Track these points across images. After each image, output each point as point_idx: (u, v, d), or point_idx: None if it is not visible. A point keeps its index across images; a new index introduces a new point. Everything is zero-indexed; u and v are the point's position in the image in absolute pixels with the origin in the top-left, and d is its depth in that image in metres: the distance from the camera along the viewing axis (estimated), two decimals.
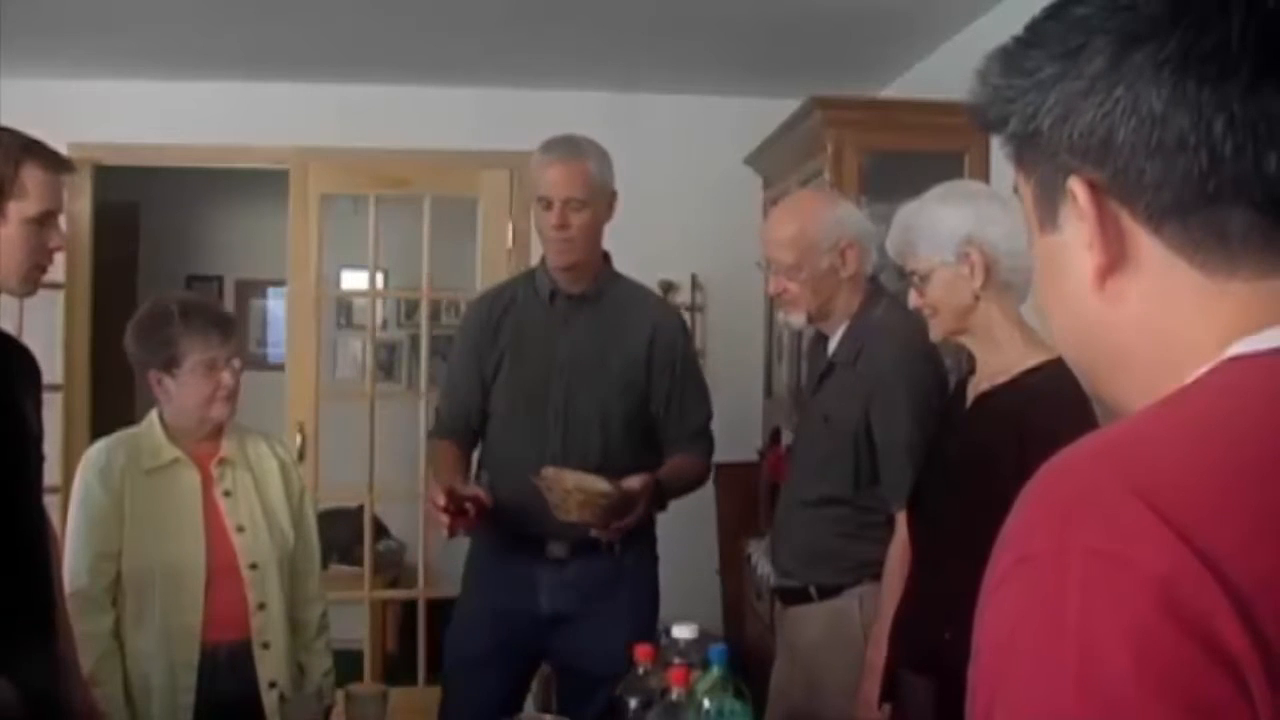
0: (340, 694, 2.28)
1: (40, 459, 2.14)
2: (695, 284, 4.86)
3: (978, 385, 2.07)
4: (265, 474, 2.48)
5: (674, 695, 1.81)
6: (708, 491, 4.63)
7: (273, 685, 2.35)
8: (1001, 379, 2.00)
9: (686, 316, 4.84)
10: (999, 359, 2.02)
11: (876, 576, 2.34)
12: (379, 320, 5.37)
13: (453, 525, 2.50)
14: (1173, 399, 0.70)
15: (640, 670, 1.90)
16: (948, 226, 2.01)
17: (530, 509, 2.57)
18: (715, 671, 1.86)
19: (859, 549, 2.40)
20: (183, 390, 2.35)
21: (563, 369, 2.68)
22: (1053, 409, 1.71)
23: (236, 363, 2.38)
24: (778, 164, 4.19)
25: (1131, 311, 0.74)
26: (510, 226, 4.69)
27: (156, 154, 4.74)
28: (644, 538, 2.77)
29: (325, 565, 3.03)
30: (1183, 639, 0.59)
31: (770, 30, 3.84)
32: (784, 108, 3.83)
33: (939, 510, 2.05)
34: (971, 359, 2.13)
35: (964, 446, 2.03)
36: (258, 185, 5.28)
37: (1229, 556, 0.60)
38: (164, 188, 5.69)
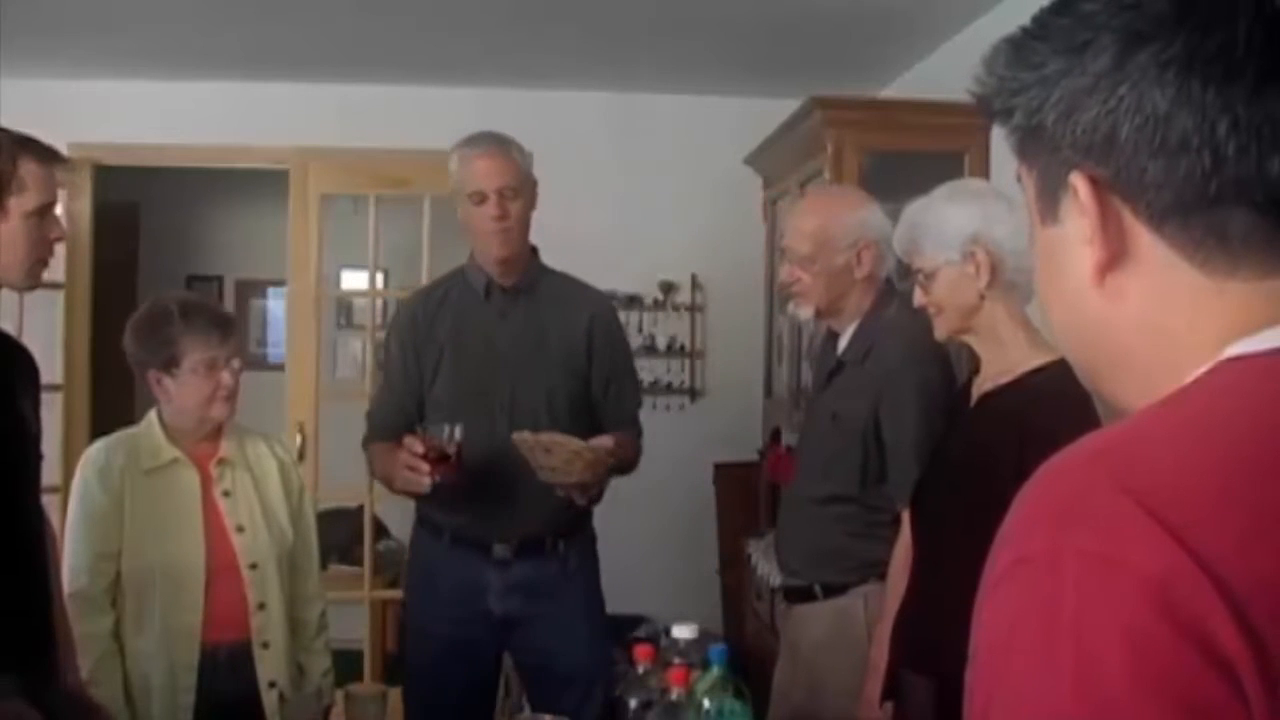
0: (340, 694, 2.27)
1: (39, 459, 2.14)
2: (695, 284, 4.86)
3: (981, 385, 2.07)
4: (264, 474, 2.48)
5: (674, 695, 1.81)
6: (708, 491, 4.64)
7: (272, 685, 2.34)
8: (1005, 379, 2.00)
9: (686, 316, 4.88)
10: (1003, 359, 2.02)
11: (882, 576, 2.34)
12: (379, 320, 5.37)
13: (434, 472, 2.45)
14: (1171, 400, 0.70)
15: (640, 670, 1.90)
16: (954, 225, 2.01)
17: (476, 506, 2.59)
18: (715, 671, 1.86)
19: (865, 548, 2.40)
20: (182, 390, 2.35)
21: (505, 358, 2.67)
22: (1055, 410, 1.71)
23: (236, 363, 2.38)
24: (778, 164, 4.20)
25: (1131, 309, 0.74)
26: None
27: (156, 154, 4.74)
28: (585, 536, 2.79)
29: (325, 565, 3.02)
30: (1178, 640, 0.59)
31: (770, 30, 3.84)
32: (784, 108, 3.83)
33: (940, 510, 2.04)
34: (975, 359, 2.13)
35: (966, 446, 2.03)
36: (258, 185, 5.28)
37: (1225, 557, 0.60)
38: (164, 188, 5.69)
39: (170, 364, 2.33)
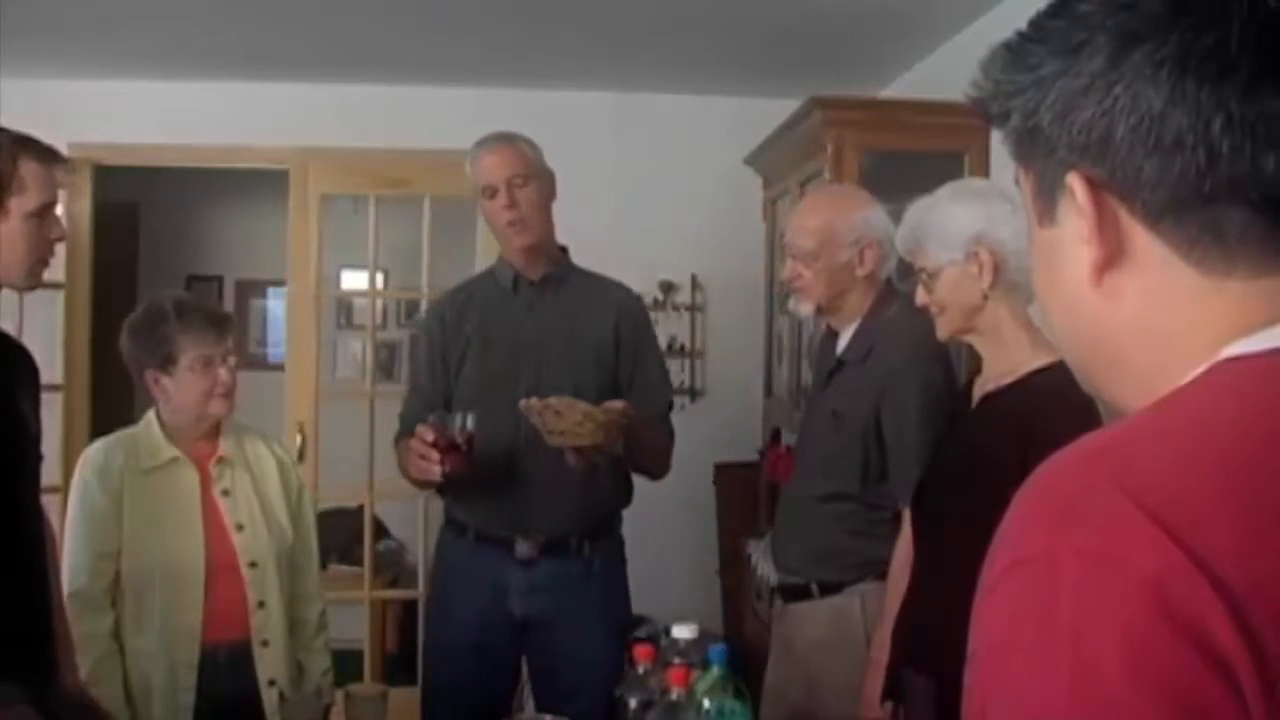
0: (340, 694, 2.28)
1: (38, 459, 2.14)
2: (695, 284, 4.86)
3: (983, 385, 2.07)
4: (263, 472, 2.48)
5: (674, 695, 1.81)
6: (708, 491, 4.64)
7: (272, 684, 2.35)
8: (1007, 379, 2.00)
9: (686, 316, 4.88)
10: (1005, 359, 2.02)
11: (880, 575, 2.35)
12: (379, 320, 5.37)
13: (444, 463, 2.45)
14: (1168, 400, 0.70)
15: (640, 670, 1.90)
16: (958, 225, 2.01)
17: (500, 501, 2.59)
18: (715, 671, 1.86)
19: (865, 546, 2.41)
20: (181, 388, 2.35)
21: (532, 350, 2.68)
22: (1057, 410, 1.70)
23: (232, 360, 2.39)
24: (778, 164, 4.19)
25: (1128, 309, 0.74)
26: None
27: (156, 154, 4.74)
28: (612, 539, 2.78)
29: (325, 565, 3.03)
30: (1175, 640, 0.59)
31: (770, 30, 3.84)
32: (784, 108, 3.83)
33: (942, 510, 2.04)
34: (977, 359, 2.13)
35: (968, 447, 2.03)
36: (258, 185, 5.28)
37: (1222, 558, 0.60)
38: (164, 188, 5.69)
39: (168, 362, 2.34)
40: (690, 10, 3.68)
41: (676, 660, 1.90)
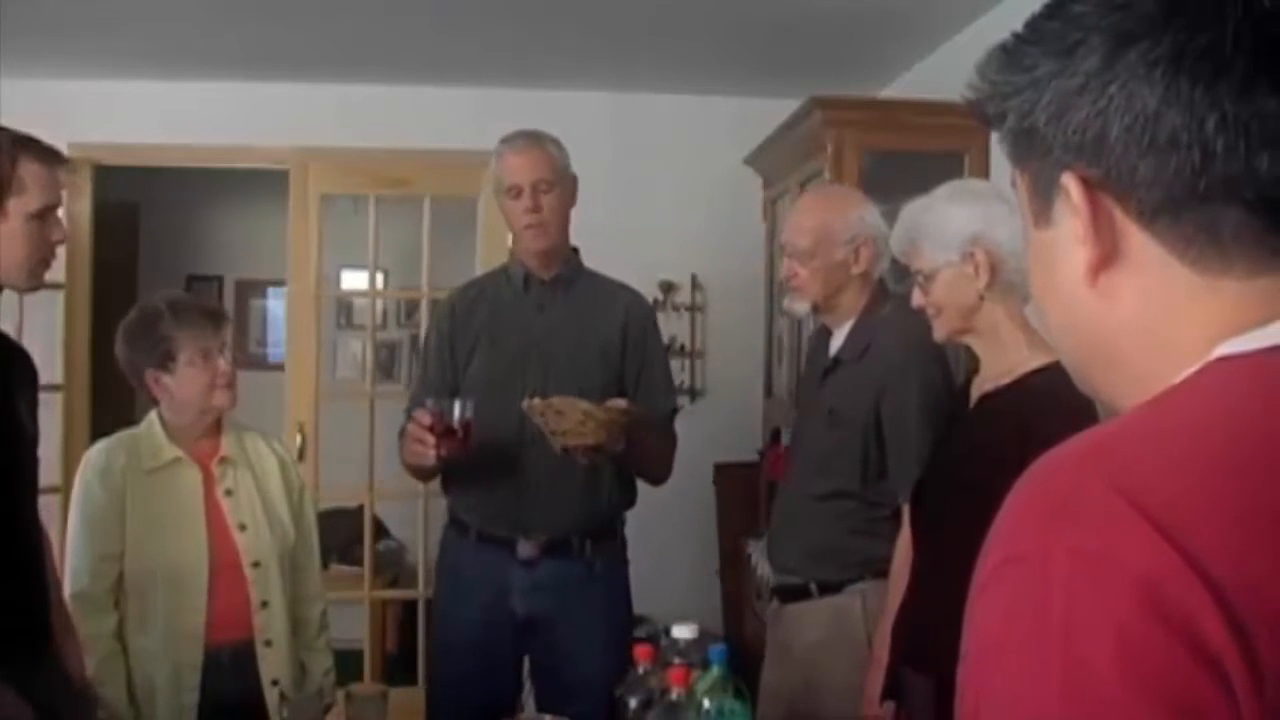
0: (340, 694, 2.27)
1: (35, 461, 2.14)
2: (695, 284, 4.86)
3: (981, 385, 2.07)
4: (265, 472, 2.48)
5: (674, 695, 1.81)
6: (708, 491, 4.64)
7: (275, 683, 2.35)
8: (1005, 380, 2.00)
9: (686, 316, 4.88)
10: (1003, 360, 2.02)
11: (880, 573, 2.35)
12: (379, 320, 5.37)
13: (440, 447, 2.44)
14: (1161, 399, 0.70)
15: (640, 670, 1.90)
16: (954, 226, 2.01)
17: (502, 498, 2.60)
18: (715, 671, 1.86)
19: (865, 544, 2.41)
20: (182, 383, 2.35)
21: (539, 347, 2.69)
22: (1055, 410, 1.69)
23: (228, 354, 2.39)
24: (778, 164, 4.19)
25: (1123, 309, 0.74)
26: None
27: (156, 154, 4.74)
28: (614, 541, 2.78)
29: (325, 565, 3.02)
30: (1167, 639, 0.59)
31: (770, 30, 3.84)
32: (784, 108, 3.83)
33: (941, 510, 2.05)
34: (974, 359, 2.13)
35: (966, 447, 2.03)
36: (258, 185, 5.28)
37: (1215, 557, 0.60)
38: (164, 188, 5.69)
39: (166, 360, 2.34)
40: (690, 10, 3.68)
41: (676, 660, 1.90)
